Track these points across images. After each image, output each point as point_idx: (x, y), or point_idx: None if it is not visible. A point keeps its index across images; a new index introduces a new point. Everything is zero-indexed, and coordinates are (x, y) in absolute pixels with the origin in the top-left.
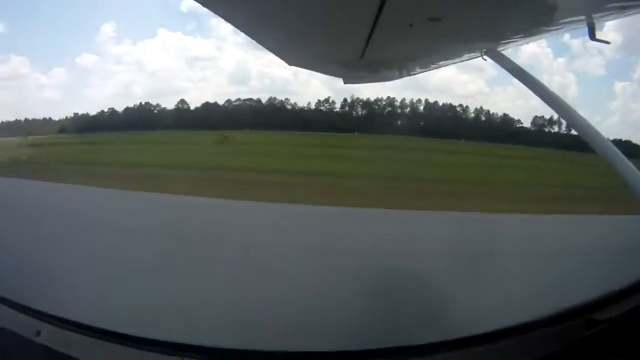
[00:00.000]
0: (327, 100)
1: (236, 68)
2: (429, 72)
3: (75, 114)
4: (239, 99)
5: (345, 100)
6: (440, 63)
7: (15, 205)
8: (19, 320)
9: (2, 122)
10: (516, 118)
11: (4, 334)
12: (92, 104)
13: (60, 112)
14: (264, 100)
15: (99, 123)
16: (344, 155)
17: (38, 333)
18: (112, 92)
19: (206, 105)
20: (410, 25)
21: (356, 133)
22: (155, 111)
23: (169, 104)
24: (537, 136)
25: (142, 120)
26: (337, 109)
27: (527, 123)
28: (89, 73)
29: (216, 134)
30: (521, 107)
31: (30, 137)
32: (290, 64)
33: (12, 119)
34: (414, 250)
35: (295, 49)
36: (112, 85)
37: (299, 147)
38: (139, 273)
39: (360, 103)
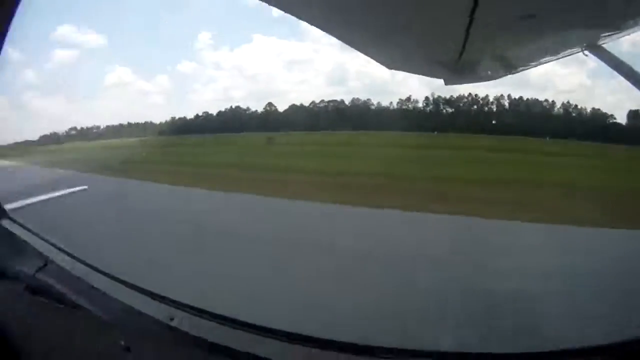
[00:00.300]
0: (409, 99)
1: (333, 69)
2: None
3: (173, 118)
4: (322, 101)
5: (427, 98)
6: (540, 60)
7: (129, 204)
8: (154, 307)
9: (108, 127)
10: (609, 113)
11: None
12: (190, 108)
13: (160, 116)
14: (347, 101)
15: (194, 126)
16: (419, 156)
17: (171, 319)
18: (212, 96)
19: (292, 107)
20: (506, 24)
21: (436, 132)
22: (248, 113)
23: (261, 107)
24: (634, 132)
25: (233, 123)
26: (420, 108)
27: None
28: (189, 79)
29: (299, 134)
30: (624, 101)
31: (131, 139)
32: (389, 68)
33: (116, 123)
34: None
35: (393, 54)
36: (212, 90)
37: (378, 147)
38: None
39: (442, 101)
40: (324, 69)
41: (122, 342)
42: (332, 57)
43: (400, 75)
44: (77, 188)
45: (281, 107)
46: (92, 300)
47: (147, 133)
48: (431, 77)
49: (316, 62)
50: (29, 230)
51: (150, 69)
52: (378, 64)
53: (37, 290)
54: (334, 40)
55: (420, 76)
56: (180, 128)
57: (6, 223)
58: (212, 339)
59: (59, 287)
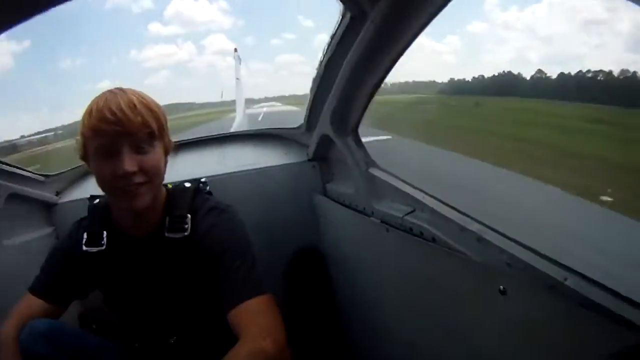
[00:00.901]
0: None
1: (634, 32)
2: None
3: (451, 79)
4: (589, 70)
5: None
6: None
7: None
8: (542, 264)
9: (393, 84)
10: None
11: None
12: (472, 69)
13: (445, 75)
14: (616, 73)
15: (468, 88)
16: None
17: (565, 279)
18: (502, 57)
19: (561, 76)
20: None
21: None
22: (528, 78)
23: (552, 72)
24: None
25: (503, 87)
26: None
27: None
28: (479, 39)
29: (550, 104)
30: None
31: (413, 96)
32: None
33: (402, 80)
34: None
35: None
36: (502, 52)
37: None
38: None
39: None
40: (624, 30)
41: (501, 287)
42: (634, 18)
43: None
44: (382, 137)
45: (553, 73)
46: (469, 245)
47: (427, 91)
48: None
49: (614, 23)
50: (395, 176)
51: (443, 30)
52: None
53: (407, 230)
54: None
55: None
56: (457, 89)
57: (373, 170)
58: (604, 304)
59: (431, 229)
